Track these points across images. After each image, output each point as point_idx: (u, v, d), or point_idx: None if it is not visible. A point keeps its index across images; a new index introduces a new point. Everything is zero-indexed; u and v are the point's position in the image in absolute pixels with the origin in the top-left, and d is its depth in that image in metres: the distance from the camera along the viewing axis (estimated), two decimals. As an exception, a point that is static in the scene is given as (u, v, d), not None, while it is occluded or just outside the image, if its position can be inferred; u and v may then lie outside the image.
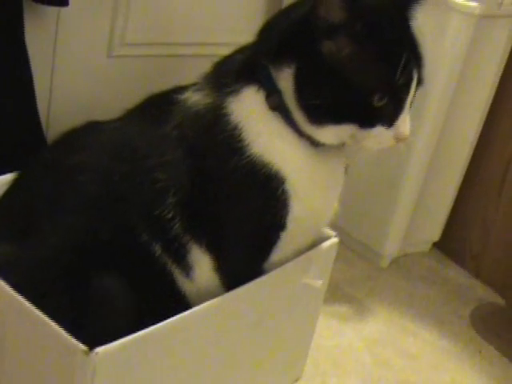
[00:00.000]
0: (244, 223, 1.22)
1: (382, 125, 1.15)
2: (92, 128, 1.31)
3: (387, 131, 1.16)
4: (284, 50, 1.17)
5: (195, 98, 1.23)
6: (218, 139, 1.18)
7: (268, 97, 1.19)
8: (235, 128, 1.18)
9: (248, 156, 1.17)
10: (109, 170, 1.21)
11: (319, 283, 1.38)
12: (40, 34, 1.73)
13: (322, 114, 1.15)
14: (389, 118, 1.15)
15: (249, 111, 1.19)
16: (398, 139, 1.17)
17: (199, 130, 1.21)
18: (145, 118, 1.27)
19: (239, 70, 1.22)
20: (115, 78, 1.92)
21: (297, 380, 1.56)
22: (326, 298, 1.74)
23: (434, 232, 2.19)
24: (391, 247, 2.05)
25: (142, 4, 1.86)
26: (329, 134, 1.17)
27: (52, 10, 1.70)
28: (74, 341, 1.03)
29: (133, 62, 1.93)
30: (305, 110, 1.16)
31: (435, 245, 2.24)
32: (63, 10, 1.69)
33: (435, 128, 1.92)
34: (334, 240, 1.42)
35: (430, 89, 1.83)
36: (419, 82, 1.18)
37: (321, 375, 1.60)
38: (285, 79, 1.17)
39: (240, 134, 1.18)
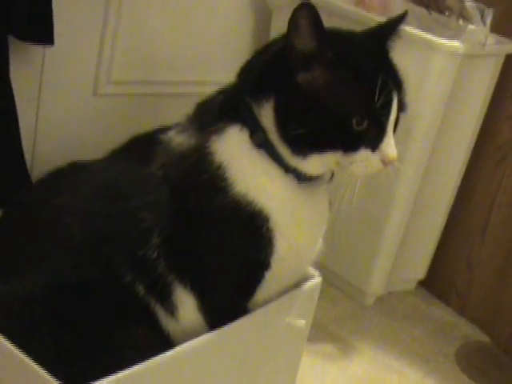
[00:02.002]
0: (228, 262, 1.21)
1: (366, 148, 1.15)
2: (77, 168, 1.31)
3: (373, 155, 1.16)
4: (263, 85, 1.18)
5: (179, 139, 1.23)
6: (202, 179, 1.18)
7: (252, 134, 1.19)
8: (219, 167, 1.18)
9: (232, 195, 1.17)
10: (93, 211, 1.21)
11: (302, 323, 1.37)
12: (25, 72, 1.72)
13: (304, 143, 1.15)
14: (372, 141, 1.15)
15: (232, 150, 1.19)
16: (385, 162, 1.17)
17: (183, 170, 1.20)
18: (129, 159, 1.27)
19: (222, 108, 1.23)
20: (101, 116, 1.91)
21: (280, 420, 1.54)
22: (311, 337, 1.73)
23: (419, 270, 2.19)
24: (376, 285, 2.04)
25: (127, 43, 1.86)
26: (314, 163, 1.17)
27: (38, 48, 1.69)
28: (51, 379, 1.01)
29: (118, 100, 1.93)
30: (287, 142, 1.16)
31: (420, 283, 2.23)
32: (49, 48, 1.68)
33: (419, 167, 1.93)
34: (317, 280, 1.42)
35: (414, 129, 1.84)
36: (401, 106, 1.19)
37: (304, 415, 1.59)
38: (266, 114, 1.18)
39: (224, 173, 1.18)
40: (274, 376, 1.45)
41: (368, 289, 2.04)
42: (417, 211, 2.01)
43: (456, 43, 1.79)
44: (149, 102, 1.97)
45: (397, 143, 1.18)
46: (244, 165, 1.19)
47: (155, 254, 1.18)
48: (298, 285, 1.37)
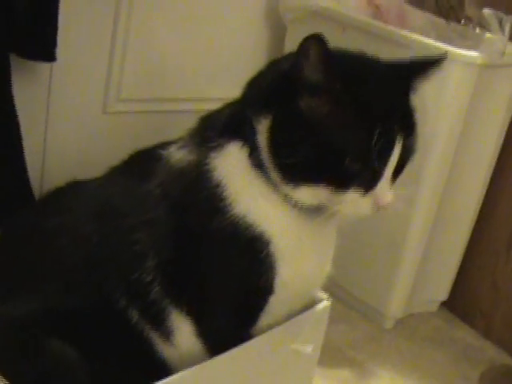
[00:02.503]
0: (227, 287, 1.16)
1: (357, 189, 1.09)
2: (75, 188, 1.29)
3: (364, 198, 1.10)
4: (265, 102, 1.13)
5: (179, 155, 1.19)
6: (200, 197, 1.14)
7: (251, 153, 1.14)
8: (218, 185, 1.13)
9: (231, 216, 1.12)
10: (87, 232, 1.17)
11: (309, 349, 1.30)
12: (33, 90, 1.71)
13: (295, 172, 1.10)
14: (365, 183, 1.09)
15: (232, 168, 1.14)
16: (377, 206, 1.10)
17: (182, 187, 1.16)
18: (128, 175, 1.24)
19: (225, 124, 1.18)
20: (110, 133, 1.89)
21: None
22: (326, 361, 1.68)
23: (442, 291, 2.12)
24: (395, 307, 1.97)
25: (136, 60, 1.85)
26: (305, 194, 1.11)
27: (45, 66, 1.67)
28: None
29: (128, 118, 1.91)
30: (279, 167, 1.11)
31: (443, 304, 2.16)
32: (56, 65, 1.66)
33: (438, 183, 1.86)
34: (326, 303, 1.35)
35: (432, 143, 1.79)
36: (408, 151, 1.12)
37: None
38: (262, 132, 1.12)
39: (222, 192, 1.13)
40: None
41: (387, 311, 1.97)
42: (438, 229, 1.94)
43: (474, 53, 1.73)
44: (159, 119, 1.94)
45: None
46: (243, 185, 1.13)
47: (150, 277, 1.14)
48: (305, 309, 1.30)
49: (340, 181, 1.08)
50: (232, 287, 1.16)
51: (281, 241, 1.14)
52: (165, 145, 1.23)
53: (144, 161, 1.24)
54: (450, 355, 1.94)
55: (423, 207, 1.87)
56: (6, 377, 1.03)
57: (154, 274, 1.14)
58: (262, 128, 1.12)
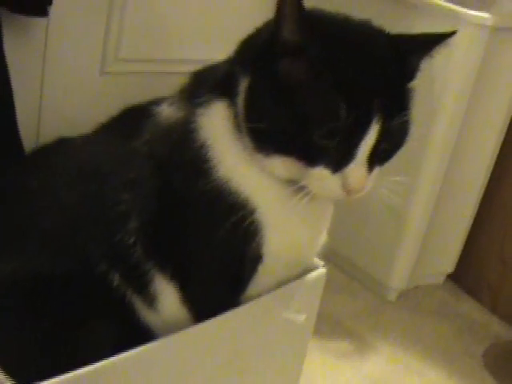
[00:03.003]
0: (212, 252, 1.11)
1: (325, 167, 1.01)
2: (60, 145, 1.25)
3: (333, 177, 1.01)
4: (250, 62, 1.06)
5: (168, 111, 1.14)
6: (185, 158, 1.08)
7: (236, 115, 1.07)
8: (202, 146, 1.08)
9: (214, 179, 1.06)
10: (70, 191, 1.13)
11: (301, 318, 1.25)
12: (28, 49, 1.66)
13: (265, 140, 1.03)
14: (334, 162, 1.01)
15: (216, 128, 1.08)
16: (346, 190, 1.02)
17: (168, 146, 1.11)
18: (117, 132, 1.20)
19: (215, 80, 1.12)
20: (108, 94, 1.84)
21: (283, 423, 1.43)
22: (324, 333, 1.64)
23: (448, 263, 2.08)
24: (399, 279, 1.93)
25: (136, 18, 1.80)
26: (276, 165, 1.04)
27: (40, 24, 1.62)
28: (3, 378, 0.92)
29: (126, 79, 1.86)
30: (250, 132, 1.04)
31: (449, 277, 2.12)
32: (52, 24, 1.62)
33: (445, 150, 1.82)
34: (320, 271, 1.29)
35: (440, 107, 1.74)
36: (394, 136, 1.03)
37: (311, 418, 1.47)
38: (241, 92, 1.06)
39: (206, 154, 1.07)
40: (273, 377, 1.34)
41: (390, 282, 1.92)
42: (444, 198, 1.89)
43: (485, 14, 1.66)
44: (158, 80, 1.88)
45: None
46: (226, 148, 1.07)
47: (132, 240, 1.09)
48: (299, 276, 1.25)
49: (309, 155, 1.00)
50: (217, 253, 1.11)
51: (266, 209, 1.08)
52: (158, 101, 1.18)
53: (134, 117, 1.19)
54: (455, 329, 1.90)
55: (429, 174, 1.82)
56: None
57: (136, 236, 1.09)
58: (242, 88, 1.06)
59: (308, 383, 1.50)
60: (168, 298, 1.12)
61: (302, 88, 0.99)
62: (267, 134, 1.02)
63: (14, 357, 1.00)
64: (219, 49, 1.84)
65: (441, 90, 1.70)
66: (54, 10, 1.54)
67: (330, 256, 1.30)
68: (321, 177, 1.01)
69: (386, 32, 1.08)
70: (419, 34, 1.09)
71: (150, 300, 1.12)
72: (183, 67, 1.87)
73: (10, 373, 0.95)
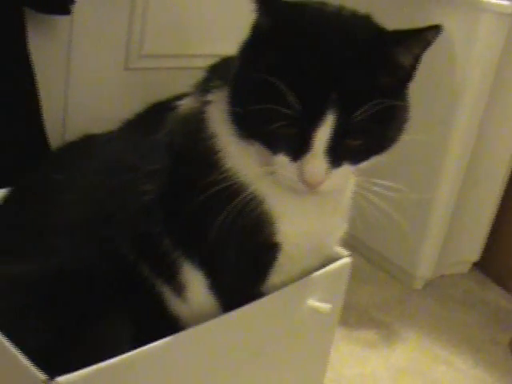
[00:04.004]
0: (229, 242, 1.11)
1: (286, 155, 1.00)
2: (86, 142, 1.26)
3: (291, 166, 1.01)
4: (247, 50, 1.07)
5: (186, 103, 1.15)
6: (198, 148, 1.09)
7: None
8: (211, 137, 1.09)
9: (224, 171, 1.07)
10: (94, 186, 1.14)
11: (327, 307, 1.25)
12: (53, 47, 1.70)
13: (240, 125, 1.04)
14: (293, 150, 1.00)
15: (220, 117, 1.08)
16: (302, 180, 1.00)
17: (184, 137, 1.12)
18: (142, 128, 1.20)
19: (225, 71, 1.11)
20: (132, 90, 1.87)
21: (311, 412, 1.44)
22: (351, 323, 1.64)
23: (474, 251, 2.07)
24: (425, 268, 1.92)
25: (158, 14, 1.82)
26: (252, 151, 1.05)
27: (65, 22, 1.64)
28: (34, 369, 0.93)
29: (150, 75, 1.89)
30: (230, 117, 1.05)
31: (475, 265, 2.10)
32: (77, 21, 1.64)
33: (469, 138, 1.81)
34: (346, 260, 1.30)
35: (462, 97, 1.73)
36: (358, 128, 0.98)
37: (339, 407, 1.48)
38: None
39: (215, 145, 1.09)
40: (300, 366, 1.34)
41: (416, 272, 1.92)
42: (469, 186, 1.89)
43: (505, 2, 1.65)
44: (181, 76, 1.87)
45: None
46: (230, 138, 1.07)
47: (158, 229, 1.10)
48: (324, 266, 1.26)
49: (271, 143, 1.01)
50: (234, 242, 1.11)
51: (274, 199, 1.09)
52: (182, 95, 1.19)
53: (158, 112, 1.19)
54: (481, 318, 1.89)
55: (453, 161, 1.81)
56: (15, 337, 0.99)
57: (162, 226, 1.10)
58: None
59: (335, 373, 1.50)
60: (196, 287, 1.13)
61: (265, 76, 0.97)
62: (241, 119, 1.03)
63: (41, 351, 0.98)
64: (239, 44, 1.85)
65: (462, 79, 1.69)
66: (77, 8, 1.56)
67: (356, 246, 1.31)
68: (282, 164, 1.01)
69: (371, 26, 1.04)
70: (408, 30, 1.01)
71: (179, 289, 1.13)
72: (205, 62, 1.88)
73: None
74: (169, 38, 1.86)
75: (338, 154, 1.00)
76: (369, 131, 1.00)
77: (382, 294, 1.88)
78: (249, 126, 1.03)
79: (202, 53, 1.91)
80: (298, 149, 0.99)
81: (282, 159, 1.01)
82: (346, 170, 1.02)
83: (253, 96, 1.00)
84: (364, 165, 1.05)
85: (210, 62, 1.86)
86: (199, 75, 1.76)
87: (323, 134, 0.97)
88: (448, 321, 1.83)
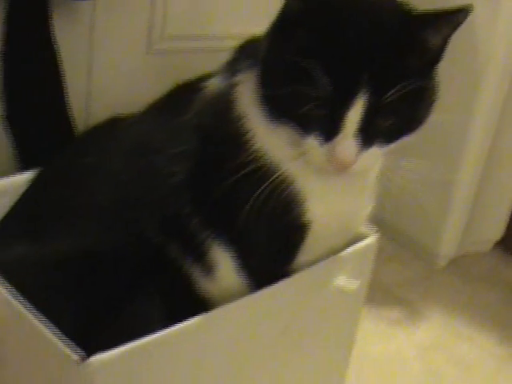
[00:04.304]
0: (259, 222, 1.12)
1: (316, 138, 1.01)
2: (112, 124, 1.27)
3: (322, 148, 1.01)
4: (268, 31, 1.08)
5: (214, 84, 1.16)
6: (227, 129, 1.10)
7: None
8: (239, 118, 1.10)
9: (252, 152, 1.08)
10: (123, 168, 1.15)
11: (354, 285, 1.27)
12: (75, 30, 1.68)
13: (270, 108, 1.05)
14: (323, 132, 1.01)
15: (249, 98, 1.09)
16: (333, 162, 1.01)
17: (212, 117, 1.13)
18: (168, 109, 1.21)
19: (252, 51, 1.12)
20: (155, 72, 1.86)
21: (338, 389, 1.46)
22: (375, 301, 1.65)
23: (496, 230, 2.06)
24: (448, 246, 1.93)
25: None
26: (285, 134, 1.05)
27: (87, 5, 1.64)
28: (68, 349, 0.95)
29: (173, 57, 1.88)
30: (261, 99, 1.06)
31: (498, 243, 2.10)
32: (99, 4, 1.64)
33: (492, 115, 1.81)
34: (372, 238, 1.31)
35: (485, 74, 1.73)
36: (389, 109, 0.99)
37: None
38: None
39: (243, 126, 1.09)
40: (327, 344, 1.36)
41: (440, 250, 1.93)
42: (492, 165, 1.89)
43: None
44: (204, 57, 1.88)
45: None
46: (258, 119, 1.08)
47: (187, 210, 1.11)
48: (349, 245, 1.27)
49: (302, 125, 1.01)
50: (263, 222, 1.12)
51: (304, 180, 1.10)
52: (207, 76, 1.20)
53: (185, 93, 1.20)
54: (504, 296, 1.90)
55: (476, 139, 1.81)
56: (47, 317, 1.01)
57: (191, 207, 1.11)
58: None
59: (360, 350, 1.51)
60: (225, 266, 1.15)
61: (296, 58, 0.98)
62: (271, 100, 1.04)
63: (73, 332, 1.00)
64: (267, 23, 1.86)
65: (485, 58, 1.69)
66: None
67: (379, 225, 1.32)
68: (313, 146, 1.02)
69: (402, 8, 1.03)
70: (437, 11, 1.01)
71: (208, 269, 1.14)
72: (228, 43, 1.89)
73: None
74: (191, 20, 1.85)
75: (369, 135, 1.01)
76: (399, 112, 1.00)
77: (405, 272, 1.90)
78: (279, 108, 1.04)
79: (225, 34, 1.90)
80: (329, 130, 1.00)
81: (313, 141, 1.01)
82: (376, 150, 1.03)
83: (283, 78, 1.01)
84: (393, 146, 1.06)
85: (233, 43, 1.87)
86: (222, 56, 1.77)
87: (354, 116, 0.98)
88: (471, 299, 1.84)
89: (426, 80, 1.03)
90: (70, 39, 1.64)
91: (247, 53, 1.15)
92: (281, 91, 1.00)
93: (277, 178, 1.07)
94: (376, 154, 1.04)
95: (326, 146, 1.01)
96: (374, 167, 1.16)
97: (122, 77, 1.81)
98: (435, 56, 1.04)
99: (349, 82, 0.97)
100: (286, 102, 1.01)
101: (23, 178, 1.29)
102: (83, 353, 0.95)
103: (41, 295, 1.06)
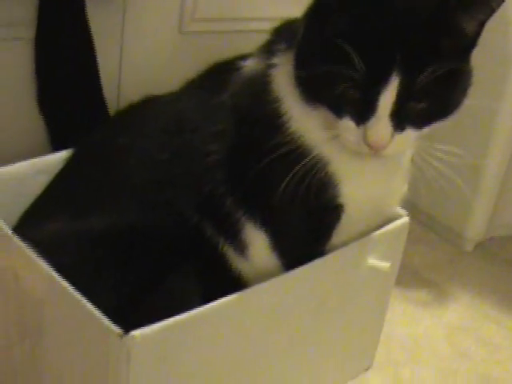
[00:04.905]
0: (293, 203, 1.13)
1: (351, 119, 1.02)
2: (147, 104, 1.28)
3: (356, 130, 1.02)
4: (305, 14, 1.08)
5: (251, 65, 1.17)
6: (262, 111, 1.12)
7: None
8: (276, 100, 1.11)
9: (288, 134, 1.09)
10: (159, 147, 1.17)
11: (387, 265, 1.28)
12: (108, 11, 1.69)
13: (306, 89, 1.06)
14: (358, 114, 1.01)
15: (285, 80, 1.10)
16: (367, 143, 1.01)
17: (249, 99, 1.14)
18: (204, 88, 1.22)
19: (288, 33, 1.13)
20: (186, 54, 1.87)
21: (367, 369, 1.47)
22: (403, 283, 1.66)
23: (524, 213, 2.05)
24: (476, 230, 1.93)
25: (212, -23, 1.81)
26: (321, 116, 1.07)
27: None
28: (108, 323, 0.97)
29: (204, 38, 1.88)
30: (296, 81, 1.07)
31: (525, 227, 2.09)
32: (131, -14, 1.65)
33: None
34: (404, 220, 1.33)
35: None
36: (423, 91, 0.99)
37: (393, 365, 1.51)
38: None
39: (279, 108, 1.10)
40: (359, 323, 1.38)
41: (467, 233, 1.93)
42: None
43: None
44: (236, 39, 1.90)
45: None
46: (294, 101, 1.09)
47: (222, 190, 1.13)
48: (382, 226, 1.28)
49: (337, 106, 1.02)
50: (297, 204, 1.13)
51: (338, 162, 1.11)
52: (246, 56, 1.21)
53: (221, 72, 1.22)
54: (531, 279, 1.89)
55: (505, 123, 1.80)
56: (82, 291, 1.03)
57: (225, 186, 1.13)
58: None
59: (389, 331, 1.53)
60: (258, 245, 1.16)
61: (331, 39, 0.98)
62: (306, 82, 1.05)
63: (114, 307, 1.03)
64: (300, 5, 1.86)
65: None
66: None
67: (407, 208, 1.33)
68: (347, 128, 1.02)
69: None
70: None
71: (242, 248, 1.16)
72: (259, 25, 1.89)
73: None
74: (222, 2, 1.86)
75: (402, 118, 1.01)
76: (433, 96, 1.00)
77: (432, 254, 1.90)
78: (314, 90, 1.05)
79: (257, 16, 1.91)
80: (363, 112, 1.00)
81: (347, 123, 1.02)
82: (410, 134, 1.03)
83: (318, 59, 1.02)
84: (427, 130, 1.06)
85: (265, 24, 1.87)
86: (251, 38, 1.78)
87: (388, 97, 0.98)
88: (498, 281, 1.84)
89: (460, 64, 1.03)
90: (102, 20, 1.65)
91: (284, 35, 1.15)
92: (316, 72, 1.01)
93: (311, 160, 1.08)
94: (410, 138, 1.04)
95: (360, 129, 1.01)
96: (407, 150, 1.17)
97: (152, 58, 1.82)
98: (470, 41, 1.04)
99: (382, 63, 0.97)
100: (321, 83, 1.02)
101: (59, 157, 1.31)
102: (124, 327, 0.97)
103: (77, 271, 1.08)
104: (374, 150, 1.02)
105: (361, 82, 0.98)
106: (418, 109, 1.01)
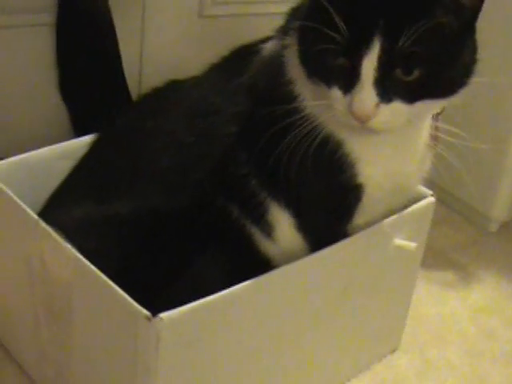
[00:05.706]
0: (314, 184, 1.14)
1: (339, 89, 1.00)
2: (171, 88, 1.28)
3: (343, 99, 1.00)
4: None
5: (269, 47, 1.17)
6: (277, 93, 1.11)
7: None
8: (289, 82, 1.10)
9: (303, 116, 1.07)
10: (184, 130, 1.17)
11: (413, 245, 1.27)
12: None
13: (304, 63, 1.05)
14: (344, 82, 0.99)
15: (296, 62, 1.09)
16: (351, 112, 0.99)
17: (266, 80, 1.14)
18: (227, 70, 1.22)
19: (301, 13, 1.12)
20: (207, 38, 1.87)
21: (393, 351, 1.47)
22: (429, 264, 1.65)
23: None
24: (501, 210, 1.91)
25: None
26: (315, 89, 1.05)
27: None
28: (137, 306, 0.97)
29: (225, 21, 1.88)
30: (298, 55, 1.06)
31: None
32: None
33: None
34: (430, 199, 1.32)
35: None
36: (412, 60, 0.96)
37: (420, 346, 1.50)
38: None
39: (293, 89, 1.10)
40: (385, 304, 1.37)
41: (492, 214, 1.91)
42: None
43: None
44: (256, 22, 1.89)
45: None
46: (305, 82, 1.08)
47: (245, 171, 1.13)
48: (408, 205, 1.28)
49: (325, 76, 1.01)
50: (317, 183, 1.14)
51: (352, 142, 1.10)
52: (266, 39, 1.20)
53: (243, 55, 1.21)
54: (557, 259, 1.88)
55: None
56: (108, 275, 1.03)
57: (248, 167, 1.13)
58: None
59: (415, 313, 1.52)
60: (284, 226, 1.16)
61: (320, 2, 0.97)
62: (305, 55, 1.05)
63: (141, 289, 1.02)
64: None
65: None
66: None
67: (430, 188, 1.33)
68: (335, 98, 1.01)
69: None
70: None
71: (268, 229, 1.16)
72: (278, 8, 1.88)
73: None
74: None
75: (388, 88, 0.98)
76: (424, 66, 0.97)
77: (457, 235, 1.89)
78: (310, 63, 1.04)
79: (274, -1, 1.91)
80: (348, 80, 0.99)
81: (336, 92, 1.01)
82: (401, 108, 1.00)
83: (306, 20, 1.01)
84: (429, 107, 1.05)
85: (283, 7, 1.86)
86: (271, 21, 1.77)
87: (370, 63, 0.96)
88: (524, 262, 1.83)
89: (456, 38, 0.99)
90: (123, 5, 1.65)
91: (296, 16, 1.14)
92: (308, 44, 1.02)
93: (327, 141, 1.08)
94: (400, 112, 1.00)
95: (347, 98, 1.00)
96: (421, 128, 1.16)
97: (173, 41, 1.82)
98: (468, 14, 1.00)
99: (364, 26, 0.95)
100: (313, 53, 1.01)
101: (82, 142, 1.31)
102: (152, 309, 0.97)
103: (103, 256, 1.09)
104: (359, 120, 0.99)
105: (344, 47, 0.96)
106: (408, 80, 0.98)
